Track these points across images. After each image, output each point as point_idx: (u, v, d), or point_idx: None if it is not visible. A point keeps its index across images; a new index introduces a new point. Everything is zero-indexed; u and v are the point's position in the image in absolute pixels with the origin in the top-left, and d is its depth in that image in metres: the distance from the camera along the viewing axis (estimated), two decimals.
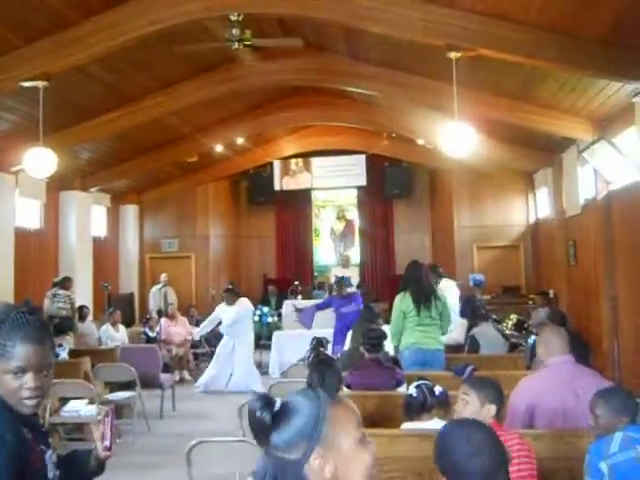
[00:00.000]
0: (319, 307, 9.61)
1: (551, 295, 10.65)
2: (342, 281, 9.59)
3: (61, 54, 6.62)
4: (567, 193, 9.98)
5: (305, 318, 9.67)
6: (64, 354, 7.09)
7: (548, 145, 9.93)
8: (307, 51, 8.42)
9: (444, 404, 3.51)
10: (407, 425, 3.49)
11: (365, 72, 8.60)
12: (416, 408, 3.48)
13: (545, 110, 8.05)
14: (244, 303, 9.91)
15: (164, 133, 10.96)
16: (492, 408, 2.88)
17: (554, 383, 3.41)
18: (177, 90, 8.89)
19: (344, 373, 4.92)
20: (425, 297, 5.85)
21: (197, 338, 10.76)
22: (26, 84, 6.74)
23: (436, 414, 3.47)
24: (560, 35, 5.70)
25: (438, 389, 3.53)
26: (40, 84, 6.69)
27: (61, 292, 9.17)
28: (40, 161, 6.99)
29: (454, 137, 6.70)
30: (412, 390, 3.55)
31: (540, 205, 12.23)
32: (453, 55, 6.15)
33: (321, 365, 3.99)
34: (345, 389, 4.70)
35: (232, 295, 9.85)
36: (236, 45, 6.69)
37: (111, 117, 8.93)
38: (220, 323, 10.05)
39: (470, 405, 2.89)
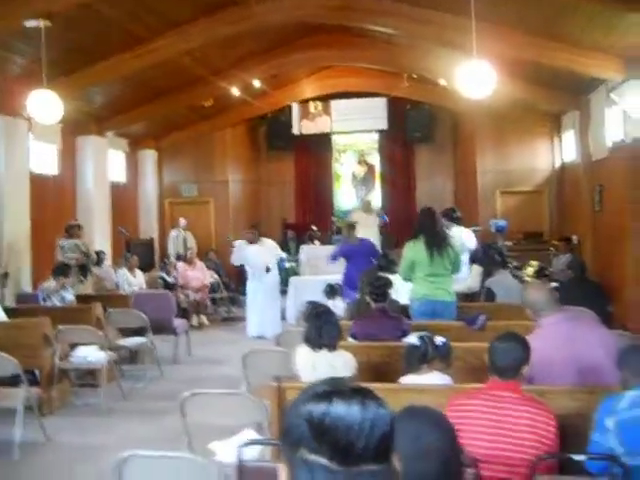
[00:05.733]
0: (332, 258, 9.16)
1: (574, 241, 10.40)
2: (353, 226, 9.22)
3: None
4: (594, 136, 9.59)
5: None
6: (69, 296, 7.06)
7: (575, 86, 9.48)
8: None
9: (445, 356, 3.35)
10: (405, 379, 3.36)
11: (386, 8, 8.22)
12: (416, 359, 3.33)
13: (572, 48, 7.62)
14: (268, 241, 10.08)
15: (178, 76, 10.65)
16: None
17: (551, 345, 3.24)
18: (186, 31, 8.55)
19: (350, 322, 4.80)
20: (438, 245, 5.58)
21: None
22: (28, 24, 6.53)
23: (437, 367, 3.32)
24: None
25: (440, 340, 3.37)
26: (42, 23, 6.47)
27: (66, 243, 9.09)
28: (45, 105, 6.83)
29: (472, 77, 6.37)
30: (413, 339, 3.41)
31: (566, 149, 11.80)
32: None
33: (317, 319, 3.84)
34: (350, 339, 4.59)
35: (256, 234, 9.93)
36: None
37: (120, 59, 8.67)
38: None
39: None
